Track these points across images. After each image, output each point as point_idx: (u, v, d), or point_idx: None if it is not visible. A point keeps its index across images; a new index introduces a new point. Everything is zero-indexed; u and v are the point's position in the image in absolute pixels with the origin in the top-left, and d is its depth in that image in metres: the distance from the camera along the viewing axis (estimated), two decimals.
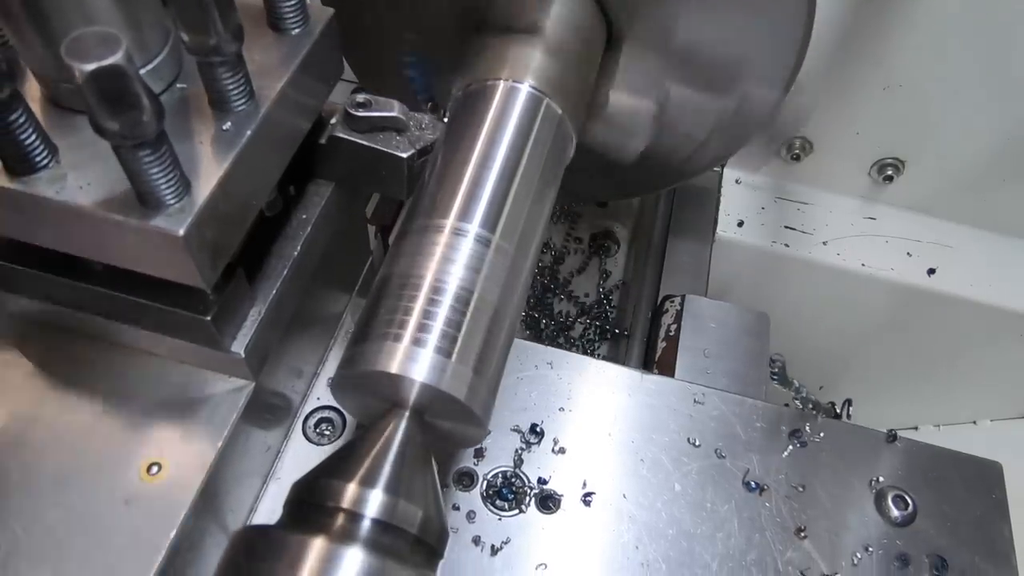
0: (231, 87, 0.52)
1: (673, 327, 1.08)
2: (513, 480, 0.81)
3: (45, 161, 0.49)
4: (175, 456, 0.60)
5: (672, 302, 1.12)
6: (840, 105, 1.22)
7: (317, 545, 0.47)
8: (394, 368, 0.54)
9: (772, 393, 0.98)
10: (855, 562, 0.78)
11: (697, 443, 0.85)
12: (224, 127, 0.52)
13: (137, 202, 0.47)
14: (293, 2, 0.57)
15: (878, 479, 0.83)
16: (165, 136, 0.45)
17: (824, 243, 1.30)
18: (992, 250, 1.32)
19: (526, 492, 0.80)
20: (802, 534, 0.79)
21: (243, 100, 0.53)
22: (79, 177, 0.49)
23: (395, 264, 0.61)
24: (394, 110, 0.66)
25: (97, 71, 0.38)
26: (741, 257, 1.32)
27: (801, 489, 0.82)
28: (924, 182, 1.30)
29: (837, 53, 1.15)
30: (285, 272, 0.65)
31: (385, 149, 0.66)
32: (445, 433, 0.60)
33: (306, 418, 0.79)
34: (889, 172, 1.30)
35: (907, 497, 0.81)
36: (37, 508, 0.57)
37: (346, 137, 0.66)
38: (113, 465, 0.59)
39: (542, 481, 0.81)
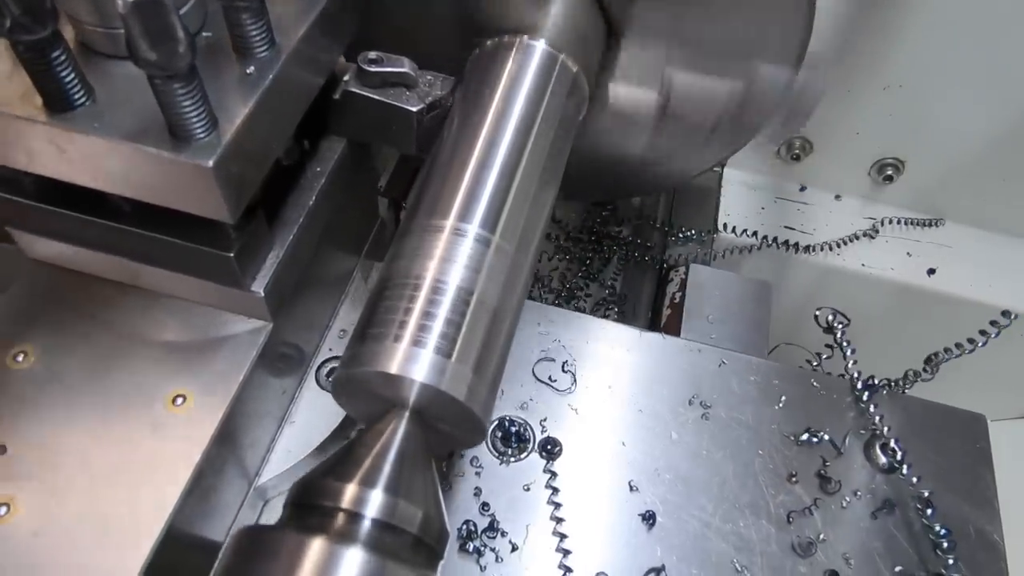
0: (254, 33, 0.55)
1: (678, 295, 1.12)
2: (513, 428, 0.84)
3: (83, 99, 0.52)
4: (198, 390, 0.64)
5: (677, 271, 1.16)
6: (840, 105, 1.23)
7: (317, 545, 0.47)
8: (394, 368, 0.54)
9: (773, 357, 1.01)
10: (844, 505, 0.81)
11: (694, 395, 0.88)
12: (248, 70, 0.56)
13: (169, 137, 0.51)
14: None
15: (867, 428, 0.87)
16: (197, 71, 0.48)
17: (824, 243, 1.32)
18: (992, 250, 1.33)
19: (529, 439, 0.83)
20: (793, 479, 0.83)
21: (265, 46, 0.57)
22: (114, 115, 0.52)
23: (395, 264, 0.62)
24: (404, 66, 0.69)
25: (140, 2, 0.41)
26: (741, 257, 1.33)
27: (793, 438, 0.86)
28: (924, 182, 1.31)
29: (837, 53, 1.15)
30: (301, 219, 0.68)
31: (396, 103, 0.69)
32: (445, 433, 0.60)
33: (319, 368, 0.83)
34: (889, 172, 1.31)
35: (895, 446, 0.85)
36: (71, 434, 0.61)
37: (359, 92, 0.70)
38: (141, 396, 0.63)
39: (544, 429, 0.84)
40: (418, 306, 0.57)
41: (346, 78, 0.71)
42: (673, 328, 1.09)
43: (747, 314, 1.09)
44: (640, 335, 0.93)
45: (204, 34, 0.58)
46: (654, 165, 1.04)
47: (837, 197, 1.39)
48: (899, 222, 1.35)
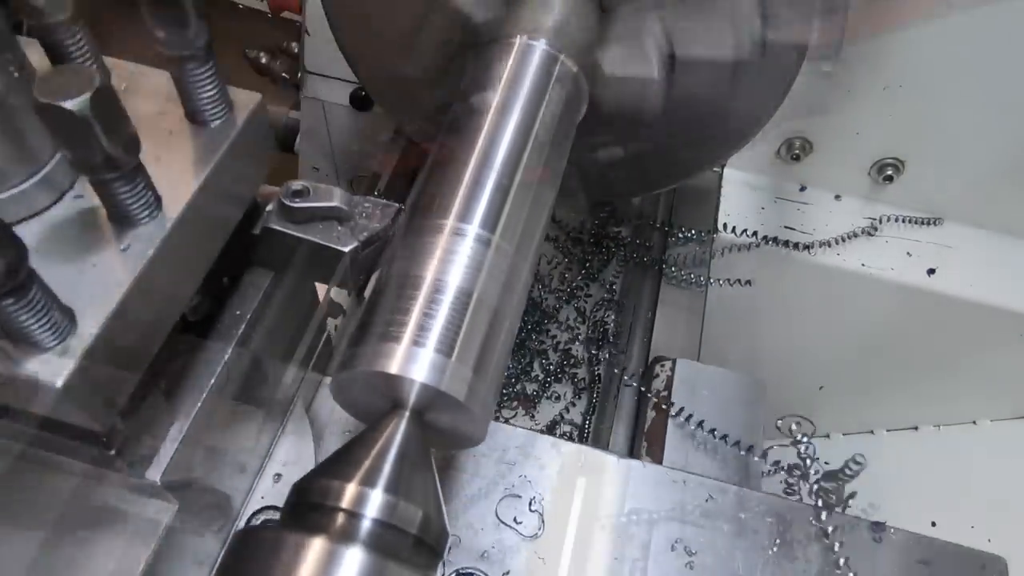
0: (129, 202, 0.45)
1: (663, 394, 1.02)
2: None
3: None
4: None
5: (663, 367, 1.06)
6: (840, 105, 1.20)
7: (317, 545, 0.47)
8: (393, 368, 0.54)
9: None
10: None
11: (677, 539, 0.78)
12: (122, 247, 0.45)
13: (11, 345, 0.41)
14: (211, 93, 0.51)
15: None
16: (32, 278, 0.38)
17: (824, 243, 1.29)
18: (992, 250, 1.31)
19: None
20: None
21: (146, 213, 0.47)
22: None
23: (394, 264, 0.61)
24: (334, 199, 0.60)
25: None
26: (740, 257, 1.30)
27: None
28: (924, 182, 1.29)
29: None
30: (212, 382, 0.58)
31: (324, 243, 0.60)
32: (445, 433, 0.60)
33: (248, 520, 0.72)
34: (889, 172, 1.28)
35: None
36: None
37: (281, 229, 0.60)
38: None
39: None
40: (417, 306, 0.57)
41: (269, 208, 0.61)
42: (657, 432, 1.00)
43: (738, 419, 1.00)
44: (617, 462, 0.83)
45: (74, 196, 0.48)
46: (696, 130, 0.94)
47: (837, 197, 1.36)
48: (899, 221, 1.33)
